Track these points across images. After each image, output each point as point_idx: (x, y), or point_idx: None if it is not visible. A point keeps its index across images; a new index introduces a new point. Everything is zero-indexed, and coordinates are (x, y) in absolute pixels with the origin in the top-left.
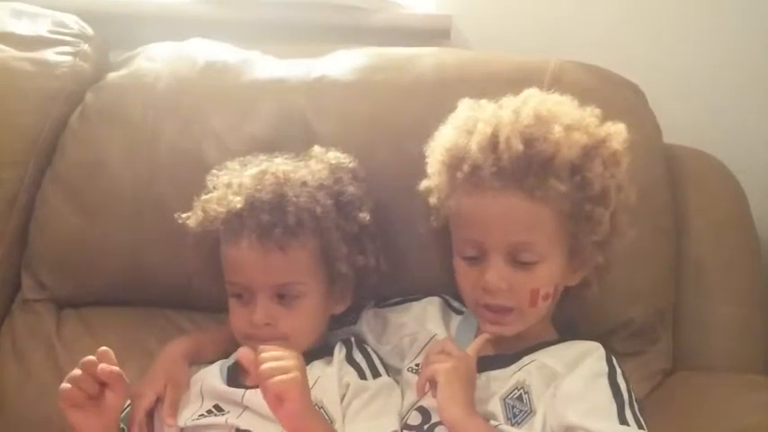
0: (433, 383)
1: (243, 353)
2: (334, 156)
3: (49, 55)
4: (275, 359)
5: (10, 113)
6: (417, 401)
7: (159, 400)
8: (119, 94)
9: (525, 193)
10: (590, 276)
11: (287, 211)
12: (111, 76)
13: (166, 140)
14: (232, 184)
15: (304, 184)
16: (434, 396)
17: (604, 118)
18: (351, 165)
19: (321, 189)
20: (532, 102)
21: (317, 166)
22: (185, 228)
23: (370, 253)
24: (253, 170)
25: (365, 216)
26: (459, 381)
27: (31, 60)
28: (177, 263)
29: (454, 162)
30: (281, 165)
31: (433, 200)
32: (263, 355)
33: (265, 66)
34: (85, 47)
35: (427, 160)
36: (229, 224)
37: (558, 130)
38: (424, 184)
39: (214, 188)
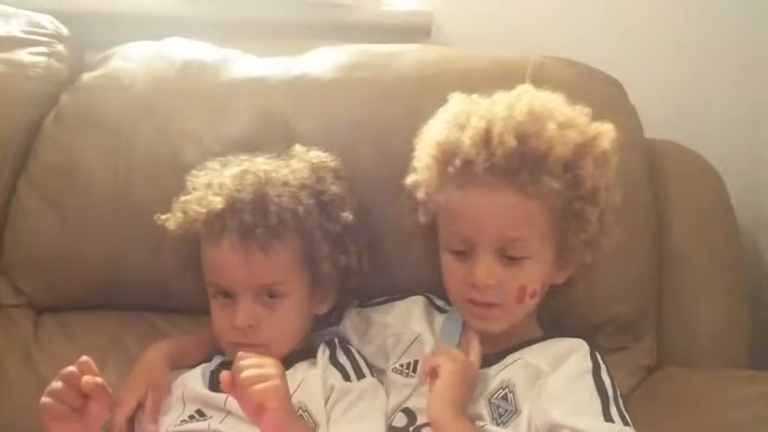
0: (433, 375)
1: (224, 380)
2: (316, 155)
3: (23, 55)
4: (254, 366)
5: None
6: (403, 403)
7: (140, 406)
8: (94, 96)
9: (518, 190)
10: (576, 275)
11: (269, 211)
12: (87, 77)
13: (144, 142)
14: (212, 184)
15: (285, 183)
16: (429, 387)
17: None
18: (333, 164)
19: (303, 188)
20: (526, 98)
21: (298, 165)
22: (164, 230)
23: (353, 253)
24: (233, 170)
25: (348, 216)
26: (458, 385)
27: (5, 61)
28: (156, 265)
29: (445, 156)
30: (262, 164)
31: (420, 194)
32: (242, 362)
33: (244, 64)
34: (60, 47)
35: (414, 154)
36: (210, 225)
37: (552, 128)
38: (411, 178)
39: (194, 189)
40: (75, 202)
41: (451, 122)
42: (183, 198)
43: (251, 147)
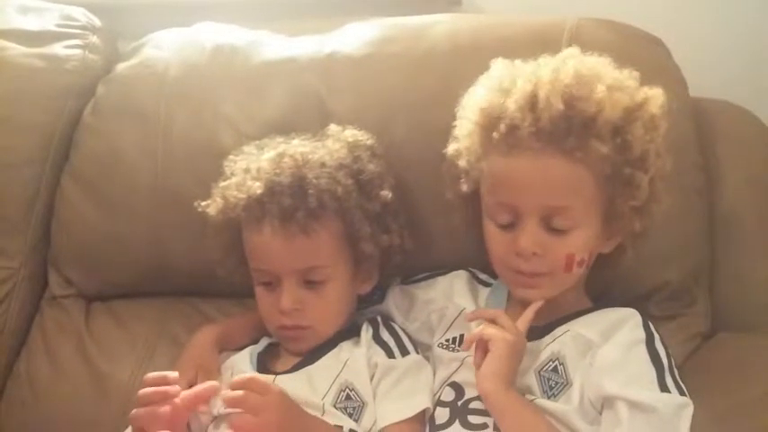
0: (481, 347)
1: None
2: (351, 133)
3: (59, 49)
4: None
5: (24, 112)
6: (450, 377)
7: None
8: (130, 86)
9: (565, 155)
10: (625, 243)
11: (308, 193)
12: (121, 66)
13: (180, 129)
14: (250, 169)
15: (323, 164)
16: (475, 360)
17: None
18: (369, 142)
19: (341, 169)
20: (572, 61)
21: (334, 145)
22: (205, 215)
23: (394, 231)
24: (270, 154)
25: (387, 194)
26: (509, 357)
27: (41, 56)
28: (199, 251)
29: (489, 122)
30: (298, 146)
31: (462, 163)
32: (237, 381)
33: (275, 45)
34: (94, 38)
35: (455, 123)
36: (250, 210)
37: (600, 90)
38: (452, 146)
39: (232, 174)
40: (116, 190)
41: (494, 87)
42: (222, 184)
43: (286, 128)
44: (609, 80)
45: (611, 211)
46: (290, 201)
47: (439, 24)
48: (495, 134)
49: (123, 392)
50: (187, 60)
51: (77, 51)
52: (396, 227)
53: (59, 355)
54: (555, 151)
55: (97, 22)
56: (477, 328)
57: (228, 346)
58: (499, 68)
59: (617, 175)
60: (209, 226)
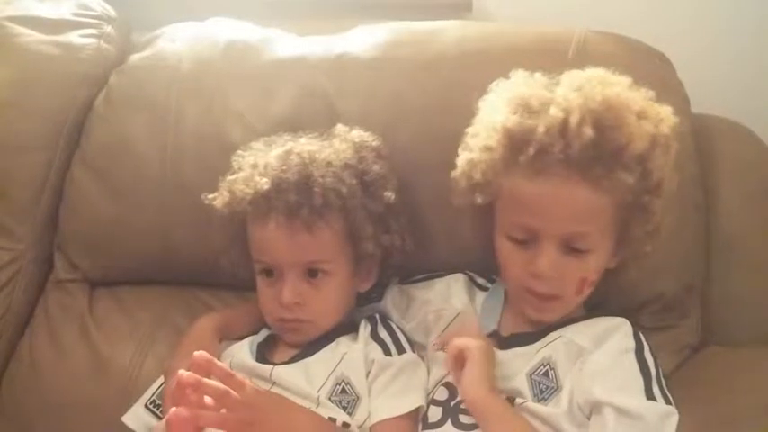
0: (459, 359)
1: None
2: (358, 134)
3: (74, 38)
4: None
5: (38, 98)
6: (444, 377)
7: None
8: (142, 77)
9: (591, 183)
10: (630, 262)
11: (313, 191)
12: (134, 57)
13: (190, 121)
14: (258, 164)
15: (329, 164)
16: (455, 372)
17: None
18: (374, 143)
19: (346, 169)
20: (598, 84)
21: (341, 145)
22: (211, 208)
23: (395, 232)
24: (278, 150)
25: (390, 195)
26: (486, 362)
27: (56, 44)
28: (204, 242)
29: (517, 143)
30: (305, 145)
31: (476, 175)
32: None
33: (286, 44)
34: (109, 28)
35: (467, 131)
36: (256, 205)
37: (631, 120)
38: (466, 156)
39: (239, 169)
40: (125, 178)
41: (521, 106)
42: (229, 178)
43: (294, 125)
44: (636, 107)
45: (624, 235)
46: (296, 198)
47: (448, 30)
48: (521, 157)
49: (123, 377)
50: (200, 54)
51: (92, 41)
52: (397, 228)
53: (62, 338)
54: (581, 179)
55: (112, 12)
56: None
57: (228, 335)
58: (520, 83)
59: (636, 203)
60: (216, 218)
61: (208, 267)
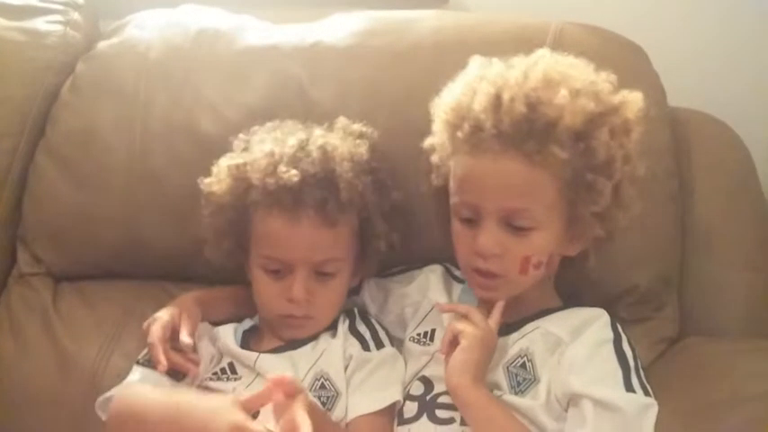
0: (453, 343)
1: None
2: (360, 130)
3: (40, 24)
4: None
5: (2, 85)
6: (420, 371)
7: (174, 330)
8: (110, 64)
9: (524, 158)
10: (588, 248)
11: (339, 187)
12: (102, 45)
13: (159, 110)
14: (275, 152)
15: (349, 159)
16: (447, 354)
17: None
18: (375, 137)
19: (361, 165)
20: (543, 63)
21: (350, 140)
22: (182, 197)
23: (398, 229)
24: (293, 141)
25: (399, 194)
26: (479, 351)
27: (21, 30)
28: (172, 234)
29: (456, 121)
30: (323, 137)
31: (434, 158)
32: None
33: (259, 32)
34: (75, 15)
35: (432, 117)
36: (277, 196)
37: (563, 95)
38: (428, 141)
39: (245, 151)
40: (91, 168)
41: (466, 86)
42: (231, 162)
43: (267, 114)
44: (578, 84)
45: (571, 215)
46: (322, 193)
47: (424, 20)
48: (459, 133)
49: (88, 372)
50: (169, 42)
51: (58, 27)
52: (400, 225)
53: (25, 333)
54: (515, 154)
55: None
56: (449, 324)
57: (206, 316)
58: (474, 67)
59: (578, 180)
60: (209, 204)
61: (177, 260)
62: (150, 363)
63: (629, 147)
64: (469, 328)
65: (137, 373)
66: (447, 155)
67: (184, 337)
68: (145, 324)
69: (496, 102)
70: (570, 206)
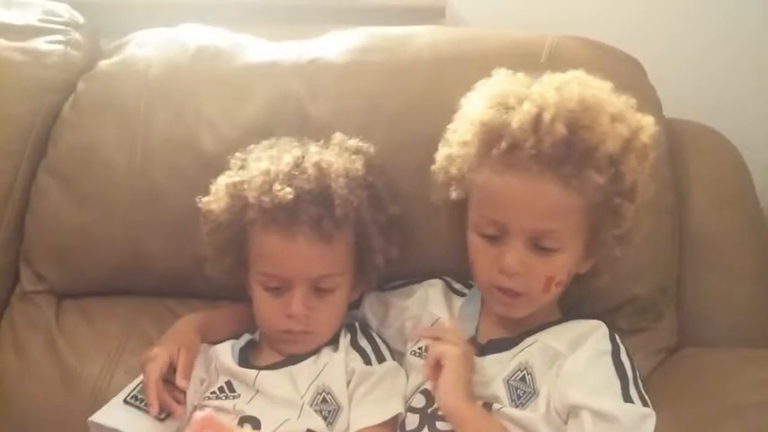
0: (438, 367)
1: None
2: (356, 146)
3: (40, 44)
4: None
5: (3, 104)
6: (422, 384)
7: (171, 365)
8: (111, 83)
9: (560, 180)
10: (601, 266)
11: (334, 203)
12: (103, 64)
13: (160, 127)
14: (270, 171)
15: (344, 175)
16: (434, 379)
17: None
18: (372, 152)
19: (356, 180)
20: (576, 84)
21: (346, 155)
22: (183, 215)
23: (396, 243)
24: (288, 158)
25: (396, 208)
26: (464, 369)
27: (22, 50)
28: (174, 251)
29: (490, 137)
30: (316, 153)
31: (453, 170)
32: None
33: (258, 49)
34: (76, 35)
35: (449, 127)
36: (273, 214)
37: (605, 121)
38: (444, 151)
39: (241, 170)
40: (93, 186)
41: (498, 102)
42: (229, 181)
43: (266, 131)
44: (612, 109)
45: (593, 238)
46: (317, 209)
47: (421, 35)
48: (494, 151)
49: (92, 388)
50: (170, 60)
51: (59, 47)
52: (398, 239)
53: (28, 351)
54: (552, 176)
55: (80, 18)
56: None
57: (208, 337)
58: (502, 80)
59: (606, 205)
60: (208, 223)
61: (179, 277)
62: (137, 400)
63: (647, 171)
64: (448, 349)
65: (122, 411)
66: (471, 168)
67: (180, 382)
68: (141, 360)
69: (536, 121)
70: (594, 229)
